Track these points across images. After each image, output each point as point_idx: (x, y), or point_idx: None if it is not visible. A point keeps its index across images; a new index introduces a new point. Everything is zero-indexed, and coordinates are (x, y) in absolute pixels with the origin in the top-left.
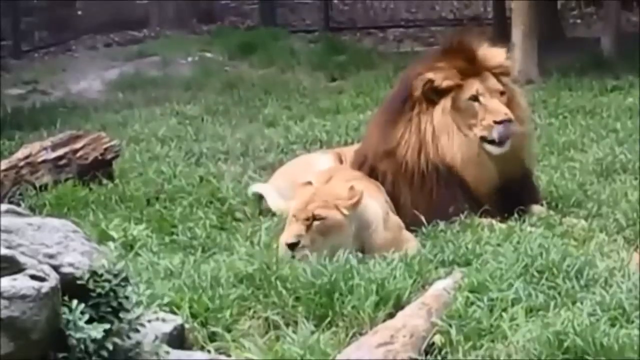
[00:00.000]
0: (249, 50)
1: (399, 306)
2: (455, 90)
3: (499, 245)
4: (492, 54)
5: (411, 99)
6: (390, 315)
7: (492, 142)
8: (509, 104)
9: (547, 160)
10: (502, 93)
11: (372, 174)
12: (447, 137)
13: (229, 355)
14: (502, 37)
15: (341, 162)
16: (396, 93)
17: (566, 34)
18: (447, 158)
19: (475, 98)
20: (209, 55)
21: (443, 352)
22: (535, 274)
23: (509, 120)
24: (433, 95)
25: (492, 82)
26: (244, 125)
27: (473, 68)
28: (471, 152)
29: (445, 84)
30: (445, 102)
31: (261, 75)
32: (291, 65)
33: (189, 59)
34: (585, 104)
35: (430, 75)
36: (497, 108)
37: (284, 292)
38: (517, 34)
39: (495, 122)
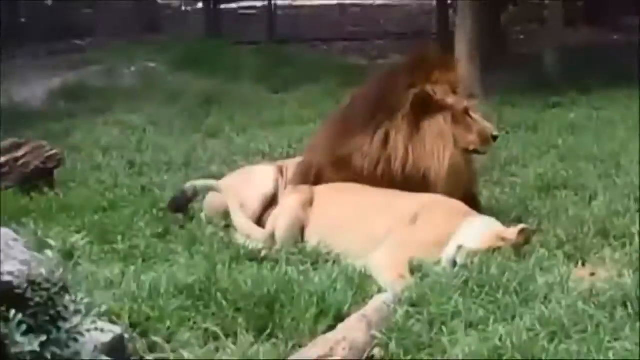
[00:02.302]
0: (193, 60)
1: (339, 318)
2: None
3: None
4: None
5: (385, 110)
6: (330, 328)
7: (476, 152)
8: None
9: (489, 175)
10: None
11: (317, 183)
12: (442, 148)
13: None
14: (445, 51)
15: (282, 174)
16: (359, 103)
17: (509, 50)
18: (431, 169)
19: (466, 112)
20: (152, 65)
21: None
22: (475, 288)
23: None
24: (423, 108)
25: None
26: (187, 136)
27: (457, 84)
28: (460, 164)
29: (445, 99)
30: (445, 115)
31: (205, 86)
32: (235, 77)
33: (133, 68)
34: (527, 120)
35: (427, 88)
36: (486, 123)
37: (224, 303)
38: (460, 49)
39: (493, 137)
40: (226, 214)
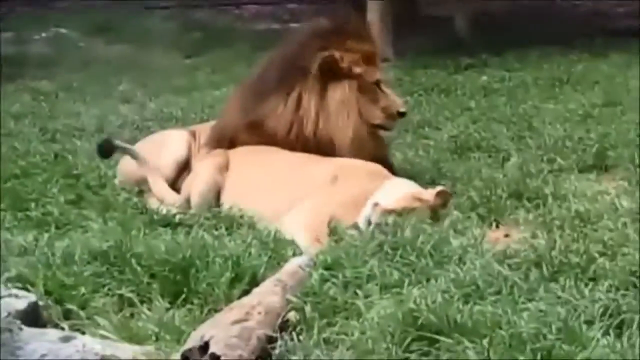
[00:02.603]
0: (103, 27)
1: (254, 283)
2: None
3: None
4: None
5: (297, 73)
6: (246, 292)
7: (381, 127)
8: None
9: (402, 138)
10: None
11: (232, 147)
12: (346, 117)
13: (84, 333)
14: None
15: (195, 139)
16: (272, 66)
17: (421, 13)
18: (335, 137)
19: (377, 84)
20: (63, 31)
21: (298, 329)
22: (390, 251)
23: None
24: (330, 74)
25: (383, 71)
26: (99, 102)
27: (373, 55)
28: (363, 135)
29: (353, 67)
30: (351, 83)
31: (116, 52)
32: (146, 43)
33: (44, 34)
34: (439, 82)
35: (336, 54)
36: (396, 99)
37: (138, 269)
38: (372, 12)
39: (399, 113)
40: (139, 181)
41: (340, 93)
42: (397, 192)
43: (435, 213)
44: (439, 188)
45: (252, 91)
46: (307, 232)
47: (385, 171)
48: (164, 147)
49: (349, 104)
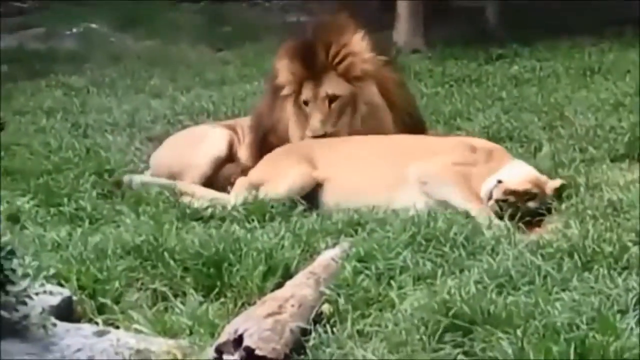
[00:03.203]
0: (134, 21)
1: (287, 276)
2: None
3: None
4: (349, 47)
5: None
6: (279, 285)
7: None
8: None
9: (434, 129)
10: (332, 98)
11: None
12: (293, 128)
13: (117, 327)
14: (387, 7)
15: (237, 133)
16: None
17: (451, 3)
18: None
19: (306, 103)
20: (93, 26)
21: (331, 321)
22: (423, 242)
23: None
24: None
25: (329, 85)
26: (130, 97)
27: (314, 70)
28: None
29: (285, 89)
30: (291, 99)
31: (146, 47)
32: (176, 37)
33: (74, 30)
34: (470, 73)
35: (275, 72)
36: (314, 122)
37: (171, 263)
38: (402, 4)
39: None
40: (172, 174)
41: (287, 107)
42: (520, 173)
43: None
44: (559, 182)
45: (266, 97)
46: (468, 199)
47: (507, 152)
48: (204, 142)
49: (291, 118)
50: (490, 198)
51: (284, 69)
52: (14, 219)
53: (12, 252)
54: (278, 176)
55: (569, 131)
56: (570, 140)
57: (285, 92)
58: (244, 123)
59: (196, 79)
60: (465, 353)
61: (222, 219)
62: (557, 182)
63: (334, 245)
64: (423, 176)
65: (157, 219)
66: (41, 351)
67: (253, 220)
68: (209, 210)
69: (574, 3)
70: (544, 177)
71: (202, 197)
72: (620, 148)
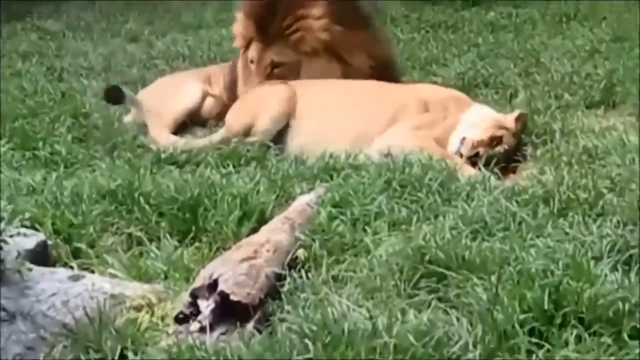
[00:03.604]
0: None
1: (262, 221)
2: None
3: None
4: (304, 22)
5: None
6: (254, 230)
7: None
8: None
9: (410, 75)
10: (275, 65)
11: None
12: (240, 82)
13: (92, 272)
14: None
15: (210, 83)
16: None
17: None
18: None
19: (252, 61)
20: None
21: (306, 267)
22: (398, 188)
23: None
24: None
25: (275, 52)
26: (106, 41)
27: (265, 34)
28: None
29: (235, 41)
30: (241, 53)
31: None
32: None
33: None
34: (447, 19)
35: (233, 29)
36: (252, 84)
37: (147, 207)
38: None
39: None
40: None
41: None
42: (480, 121)
43: (516, 138)
44: (516, 112)
45: None
46: (421, 141)
47: (465, 97)
48: (178, 95)
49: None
50: (461, 156)
51: (239, 23)
52: None
53: None
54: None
55: (544, 78)
56: (546, 87)
57: (235, 44)
58: (217, 71)
59: (172, 23)
60: (439, 299)
61: (197, 164)
62: (515, 114)
63: (310, 190)
64: (387, 149)
65: (132, 163)
66: (16, 295)
67: (228, 165)
68: (184, 155)
69: None
70: (501, 116)
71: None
72: (595, 95)
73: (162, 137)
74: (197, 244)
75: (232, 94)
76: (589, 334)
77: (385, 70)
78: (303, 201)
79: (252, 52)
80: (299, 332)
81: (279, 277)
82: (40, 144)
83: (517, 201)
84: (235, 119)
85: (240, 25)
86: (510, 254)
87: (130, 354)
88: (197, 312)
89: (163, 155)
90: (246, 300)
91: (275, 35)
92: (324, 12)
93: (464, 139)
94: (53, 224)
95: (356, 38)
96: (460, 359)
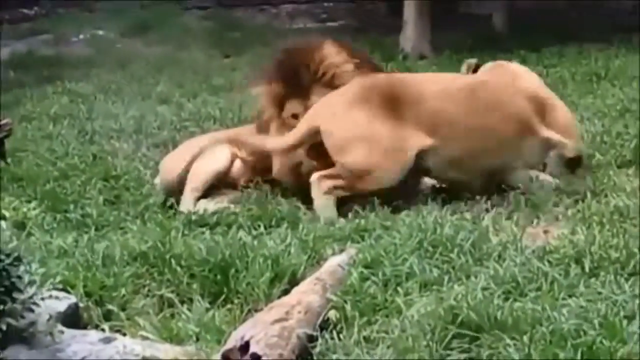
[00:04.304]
0: (142, 27)
1: (294, 282)
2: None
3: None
4: (328, 60)
5: None
6: (286, 292)
7: None
8: None
9: None
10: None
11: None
12: None
13: (124, 334)
14: (394, 13)
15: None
16: None
17: (459, 9)
18: None
19: (295, 116)
20: (101, 32)
21: (338, 328)
22: (430, 248)
23: None
24: None
25: (320, 96)
26: (137, 103)
27: (298, 88)
28: None
29: (266, 113)
30: (274, 121)
31: (154, 53)
32: (184, 43)
33: (81, 36)
34: None
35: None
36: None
37: (178, 269)
38: (409, 9)
39: None
40: (181, 181)
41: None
42: None
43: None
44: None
45: None
46: None
47: None
48: (207, 158)
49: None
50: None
51: (265, 94)
52: (20, 225)
53: (18, 259)
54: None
55: None
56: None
57: (267, 113)
58: (246, 132)
59: (203, 85)
60: (472, 359)
61: (229, 225)
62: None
63: (341, 251)
64: None
65: (163, 225)
66: (48, 357)
67: (259, 226)
68: (215, 216)
69: (581, 9)
70: None
71: None
72: (627, 154)
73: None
74: (228, 305)
75: (261, 157)
76: None
77: None
78: (334, 262)
79: (294, 107)
80: None
81: (311, 339)
82: (72, 206)
83: (548, 261)
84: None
85: (268, 95)
86: (542, 313)
87: None
88: None
89: (194, 217)
90: None
91: (309, 84)
92: (334, 47)
93: None
94: (84, 286)
95: (372, 64)
96: None
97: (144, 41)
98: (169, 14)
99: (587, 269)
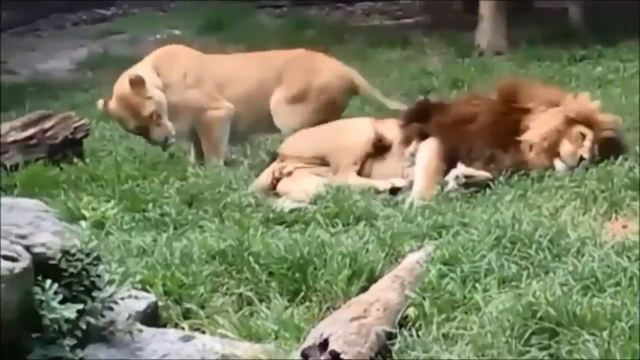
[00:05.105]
0: (216, 26)
1: (372, 280)
2: None
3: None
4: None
5: None
6: (364, 289)
7: None
8: None
9: None
10: None
11: None
12: None
13: (203, 332)
14: (470, 9)
15: None
16: None
17: (534, 4)
18: None
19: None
20: (176, 32)
21: (417, 325)
22: (508, 245)
23: None
24: None
25: None
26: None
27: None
28: None
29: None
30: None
31: (229, 52)
32: (259, 41)
33: (157, 36)
34: (553, 75)
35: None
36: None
37: (256, 267)
38: (484, 5)
39: None
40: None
41: None
42: None
43: None
44: None
45: None
46: None
47: None
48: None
49: None
50: None
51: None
52: (99, 225)
53: (98, 258)
54: None
55: None
56: None
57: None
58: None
59: None
60: (551, 355)
61: (306, 223)
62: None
63: (419, 248)
64: None
65: (241, 223)
66: (128, 356)
67: (337, 224)
68: (293, 214)
69: None
70: None
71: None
72: None
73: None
74: (307, 303)
75: None
76: None
77: None
78: (412, 259)
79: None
80: None
81: (390, 336)
82: (150, 205)
83: (627, 256)
84: None
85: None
86: (621, 309)
87: None
88: None
89: (271, 215)
90: (357, 358)
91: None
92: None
93: None
94: (163, 285)
95: None
96: None
97: (218, 40)
98: (243, 13)
99: None
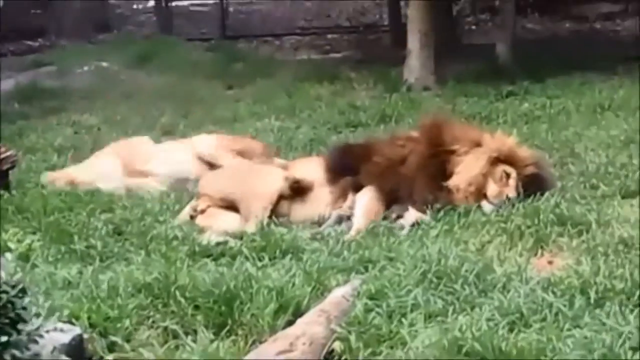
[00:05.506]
0: (145, 59)
1: (298, 314)
2: None
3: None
4: None
5: None
6: (290, 323)
7: None
8: None
9: None
10: None
11: None
12: None
13: None
14: (398, 44)
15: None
16: None
17: (462, 40)
18: None
19: None
20: (105, 64)
21: (343, 359)
22: (434, 279)
23: None
24: None
25: None
26: (141, 134)
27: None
28: None
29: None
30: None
31: (158, 84)
32: (188, 74)
33: (85, 68)
34: (481, 110)
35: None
36: None
37: (182, 301)
38: (413, 40)
39: None
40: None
41: None
42: None
43: None
44: None
45: None
46: None
47: None
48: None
49: None
50: None
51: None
52: (24, 257)
53: (23, 291)
54: None
55: (579, 168)
56: (581, 177)
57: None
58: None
59: (207, 117)
60: None
61: (233, 256)
62: None
63: (345, 282)
64: None
65: (167, 256)
66: None
67: (264, 257)
68: (219, 247)
69: (584, 40)
70: None
71: None
72: (631, 185)
73: None
74: (233, 337)
75: None
76: None
77: None
78: (339, 293)
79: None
80: None
81: None
82: (76, 237)
83: (553, 292)
84: None
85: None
86: (547, 344)
87: None
88: None
89: (198, 248)
90: None
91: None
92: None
93: None
94: (89, 317)
95: None
96: None
97: (147, 72)
98: (173, 46)
99: (592, 300)
